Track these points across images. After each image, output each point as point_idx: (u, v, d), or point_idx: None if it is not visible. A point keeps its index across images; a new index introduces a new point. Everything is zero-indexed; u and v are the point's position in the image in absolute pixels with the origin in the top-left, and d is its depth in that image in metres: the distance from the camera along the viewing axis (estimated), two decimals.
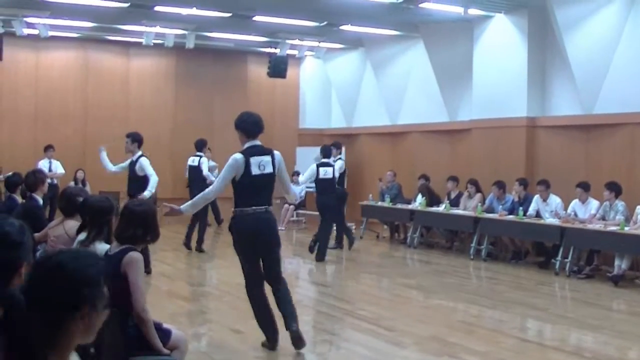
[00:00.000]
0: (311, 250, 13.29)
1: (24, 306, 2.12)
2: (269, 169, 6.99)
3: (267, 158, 7.02)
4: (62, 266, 2.19)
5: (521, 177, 13.50)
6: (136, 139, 11.27)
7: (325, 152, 13.48)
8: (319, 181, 13.15)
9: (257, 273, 7.16)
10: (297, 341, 7.04)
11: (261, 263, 7.18)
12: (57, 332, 2.16)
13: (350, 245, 14.64)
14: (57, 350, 2.16)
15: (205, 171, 13.75)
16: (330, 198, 13.19)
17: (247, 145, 7.08)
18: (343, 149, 16.29)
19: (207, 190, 7.27)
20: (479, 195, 14.10)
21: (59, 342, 2.17)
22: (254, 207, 6.95)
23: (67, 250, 2.30)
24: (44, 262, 2.23)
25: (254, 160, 6.94)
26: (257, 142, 7.11)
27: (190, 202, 7.39)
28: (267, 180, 7.03)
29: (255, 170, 6.92)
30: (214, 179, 12.36)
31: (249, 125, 7.15)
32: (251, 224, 6.95)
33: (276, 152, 7.14)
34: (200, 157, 13.90)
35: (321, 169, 13.11)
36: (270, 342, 7.23)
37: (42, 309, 2.13)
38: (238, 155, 6.95)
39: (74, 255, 2.25)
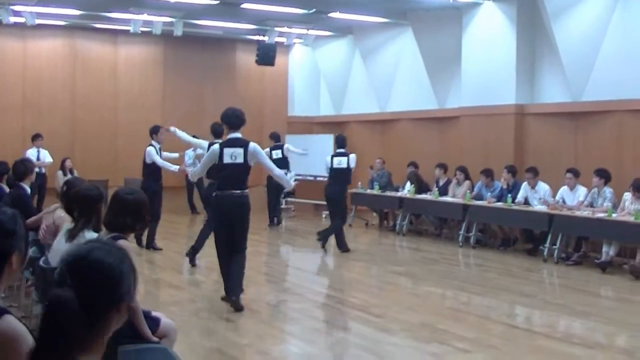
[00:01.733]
0: (323, 245, 12.91)
1: (74, 306, 2.09)
2: (239, 159, 8.16)
3: (240, 150, 8.17)
4: (103, 262, 2.20)
5: (510, 165, 13.54)
6: (211, 130, 11.59)
7: (340, 142, 13.21)
8: (332, 170, 12.98)
9: (223, 240, 8.43)
10: (236, 307, 8.20)
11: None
12: (98, 331, 2.17)
13: (275, 225, 16.15)
14: (92, 350, 2.16)
15: (154, 159, 12.48)
16: (341, 189, 13.02)
17: (228, 136, 8.35)
18: (285, 137, 16.94)
19: (193, 169, 8.92)
20: (467, 182, 14.13)
21: (97, 340, 2.18)
22: (228, 190, 8.21)
23: (98, 246, 2.28)
24: (82, 258, 2.20)
25: (227, 151, 8.17)
26: (237, 135, 8.29)
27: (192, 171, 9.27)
28: (237, 168, 8.20)
29: (227, 160, 8.15)
30: (173, 168, 12.40)
31: (231, 119, 8.35)
32: (224, 204, 8.23)
33: (251, 145, 8.24)
34: (149, 145, 12.72)
35: (335, 159, 12.99)
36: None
37: (87, 308, 2.12)
38: (215, 146, 8.31)
39: (107, 250, 2.26)
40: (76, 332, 2.08)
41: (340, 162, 12.89)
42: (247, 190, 8.35)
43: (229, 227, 8.30)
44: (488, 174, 13.66)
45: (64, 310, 2.09)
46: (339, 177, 12.93)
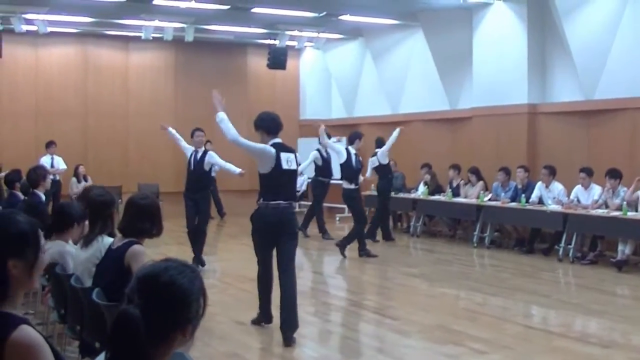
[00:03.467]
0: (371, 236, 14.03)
1: (139, 324, 2.11)
2: (294, 166, 7.37)
3: (292, 155, 7.41)
4: (174, 283, 2.21)
5: (523, 164, 13.49)
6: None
7: (378, 143, 14.64)
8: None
9: (269, 259, 7.55)
10: (287, 342, 7.19)
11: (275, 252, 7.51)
12: (165, 349, 2.19)
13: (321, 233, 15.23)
14: None
15: (218, 163, 11.71)
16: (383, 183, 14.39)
17: (272, 142, 7.38)
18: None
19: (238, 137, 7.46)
20: (480, 183, 14.08)
21: (161, 357, 2.19)
22: (279, 201, 7.28)
23: (173, 265, 2.27)
24: (154, 277, 2.21)
25: (283, 155, 7.29)
26: (279, 139, 7.45)
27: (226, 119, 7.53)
28: (293, 176, 7.45)
29: (285, 165, 7.27)
30: (239, 171, 12.08)
31: (268, 123, 7.49)
32: (273, 216, 7.28)
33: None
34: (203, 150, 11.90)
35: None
36: (259, 319, 7.81)
37: (154, 326, 2.14)
38: (270, 148, 7.29)
39: (180, 270, 2.25)
40: (140, 349, 2.10)
41: (373, 162, 14.37)
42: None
43: (280, 243, 7.36)
44: (507, 172, 13.55)
45: (128, 327, 2.11)
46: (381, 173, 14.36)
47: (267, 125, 7.48)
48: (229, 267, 11.65)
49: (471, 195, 14.02)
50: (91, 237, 5.55)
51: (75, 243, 6.38)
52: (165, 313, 2.16)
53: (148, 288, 2.19)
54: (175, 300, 2.19)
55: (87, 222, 6.30)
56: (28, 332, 2.34)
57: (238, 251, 13.04)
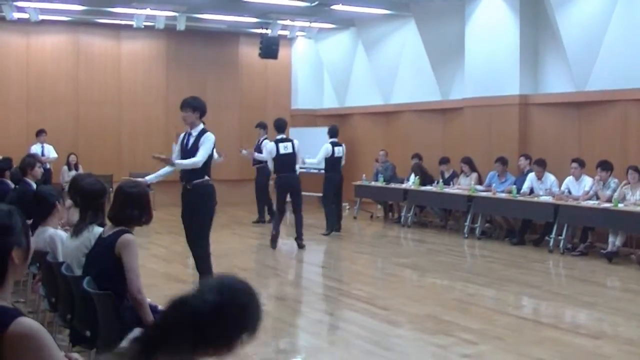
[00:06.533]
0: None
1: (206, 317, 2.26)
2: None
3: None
4: (257, 308, 2.34)
5: (525, 153, 13.52)
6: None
7: (333, 132, 14.33)
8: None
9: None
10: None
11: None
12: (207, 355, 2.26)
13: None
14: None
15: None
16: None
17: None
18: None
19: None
20: (474, 175, 14.07)
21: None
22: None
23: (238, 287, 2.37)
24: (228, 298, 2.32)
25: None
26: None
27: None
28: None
29: None
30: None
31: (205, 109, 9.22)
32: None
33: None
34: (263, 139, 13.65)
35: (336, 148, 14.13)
36: None
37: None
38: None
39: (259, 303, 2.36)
40: (193, 341, 2.23)
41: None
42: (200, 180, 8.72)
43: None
44: (504, 162, 13.55)
45: (193, 314, 2.31)
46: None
47: (205, 110, 9.18)
48: (221, 256, 11.61)
49: (463, 185, 14.01)
50: (81, 226, 5.53)
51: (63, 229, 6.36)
52: (229, 327, 2.27)
53: (229, 296, 2.31)
54: (243, 320, 2.30)
55: (67, 206, 6.28)
56: (25, 323, 2.32)
57: (229, 242, 13.02)
